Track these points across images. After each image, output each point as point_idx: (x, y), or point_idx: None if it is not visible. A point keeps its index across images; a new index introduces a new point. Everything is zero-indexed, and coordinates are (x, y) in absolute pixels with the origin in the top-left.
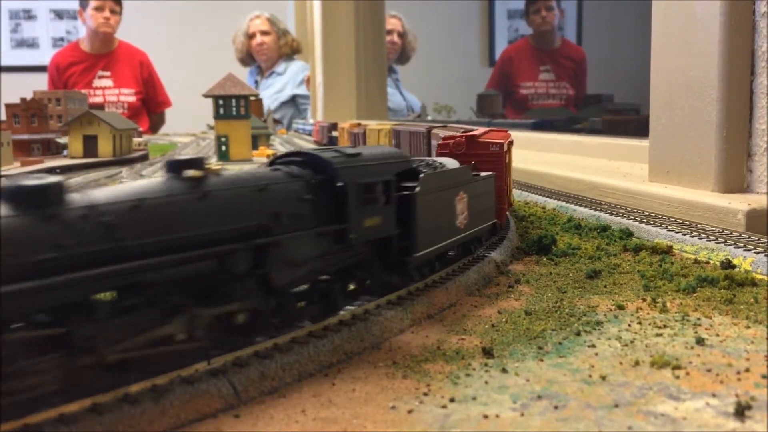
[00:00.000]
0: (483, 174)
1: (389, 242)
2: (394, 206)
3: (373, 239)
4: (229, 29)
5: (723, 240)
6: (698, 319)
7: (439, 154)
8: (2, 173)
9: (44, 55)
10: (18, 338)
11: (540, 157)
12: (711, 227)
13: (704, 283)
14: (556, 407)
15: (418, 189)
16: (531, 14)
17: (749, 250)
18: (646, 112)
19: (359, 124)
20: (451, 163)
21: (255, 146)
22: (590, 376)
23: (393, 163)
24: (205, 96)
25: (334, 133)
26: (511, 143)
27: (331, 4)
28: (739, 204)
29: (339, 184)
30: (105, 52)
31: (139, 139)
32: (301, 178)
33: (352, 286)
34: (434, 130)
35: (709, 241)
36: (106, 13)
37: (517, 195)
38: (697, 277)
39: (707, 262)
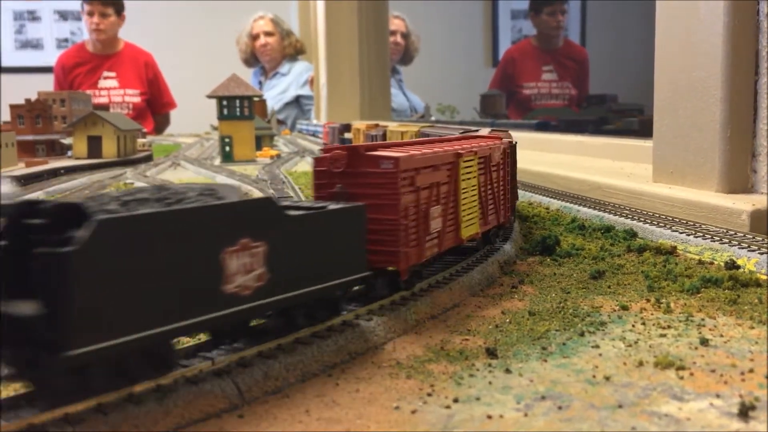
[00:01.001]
0: (333, 206)
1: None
2: None
3: None
4: (232, 30)
5: (727, 240)
6: (702, 319)
7: (316, 173)
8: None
9: (48, 56)
10: None
11: (543, 157)
12: (715, 228)
13: (708, 284)
14: (559, 408)
15: (75, 247)
16: (546, 15)
17: (753, 250)
18: (650, 112)
19: (377, 125)
20: (232, 192)
21: (259, 147)
22: (594, 376)
23: None
24: (209, 97)
25: (347, 135)
26: (473, 152)
27: (334, 4)
28: (743, 204)
29: None
30: (110, 53)
31: (144, 140)
32: None
33: None
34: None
35: (713, 241)
36: (95, 19)
37: (521, 195)
38: (701, 277)
39: (711, 263)
